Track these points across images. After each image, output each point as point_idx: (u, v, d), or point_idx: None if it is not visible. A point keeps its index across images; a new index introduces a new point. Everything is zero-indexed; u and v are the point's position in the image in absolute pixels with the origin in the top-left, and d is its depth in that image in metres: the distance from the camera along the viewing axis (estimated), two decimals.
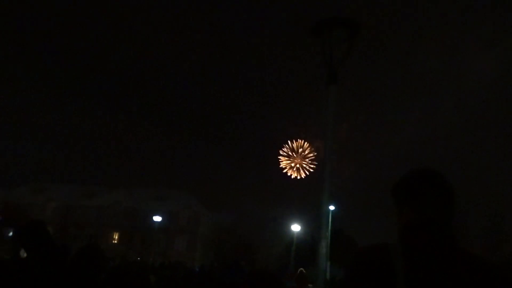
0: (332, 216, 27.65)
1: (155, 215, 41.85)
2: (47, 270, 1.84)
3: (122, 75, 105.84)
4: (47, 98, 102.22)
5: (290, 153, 59.39)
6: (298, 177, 58.51)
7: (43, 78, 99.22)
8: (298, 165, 59.04)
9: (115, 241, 54.80)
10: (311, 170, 57.98)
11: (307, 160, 59.80)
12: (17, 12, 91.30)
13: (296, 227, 36.40)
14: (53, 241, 1.90)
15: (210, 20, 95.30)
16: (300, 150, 59.34)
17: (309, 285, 11.63)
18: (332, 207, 27.63)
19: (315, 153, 56.90)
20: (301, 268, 12.24)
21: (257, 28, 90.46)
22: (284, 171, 59.38)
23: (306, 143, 59.43)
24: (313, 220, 40.35)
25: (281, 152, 59.93)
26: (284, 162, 58.89)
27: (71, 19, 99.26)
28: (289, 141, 59.67)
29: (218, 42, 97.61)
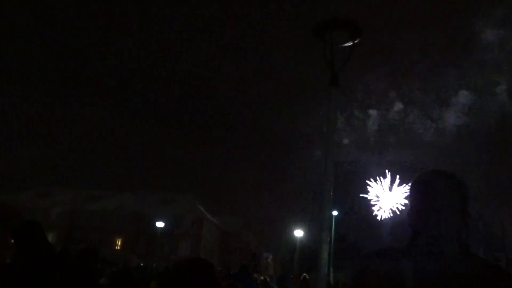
0: (336, 221, 27.35)
1: (159, 219, 41.89)
2: (41, 271, 1.80)
3: (127, 77, 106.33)
4: (51, 102, 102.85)
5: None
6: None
7: (47, 80, 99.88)
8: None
9: (119, 246, 54.87)
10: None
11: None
12: (18, 13, 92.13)
13: (299, 232, 36.32)
14: (48, 241, 1.86)
15: (211, 19, 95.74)
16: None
17: None
18: (335, 212, 27.44)
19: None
20: (305, 274, 12.26)
21: (260, 28, 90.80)
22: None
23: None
24: (316, 225, 39.81)
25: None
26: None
27: (73, 18, 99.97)
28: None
29: (222, 41, 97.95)
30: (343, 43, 3.60)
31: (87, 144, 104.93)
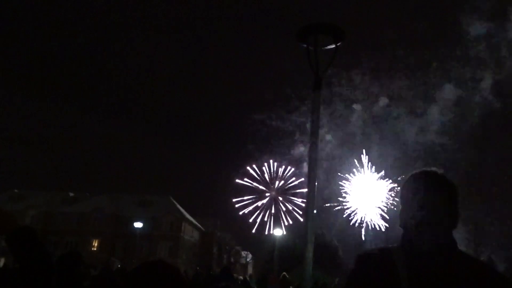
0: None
1: (137, 221, 41.42)
2: (41, 279, 1.78)
3: (104, 78, 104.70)
4: (25, 103, 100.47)
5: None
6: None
7: (21, 81, 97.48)
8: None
9: (96, 248, 53.98)
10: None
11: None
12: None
13: (278, 232, 36.39)
14: (45, 247, 1.84)
15: (199, 22, 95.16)
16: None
17: None
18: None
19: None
20: (284, 273, 12.37)
21: (244, 34, 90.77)
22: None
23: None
24: (295, 224, 39.85)
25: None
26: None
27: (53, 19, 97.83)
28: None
29: (207, 45, 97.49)
30: (327, 45, 3.65)
31: (62, 147, 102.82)
